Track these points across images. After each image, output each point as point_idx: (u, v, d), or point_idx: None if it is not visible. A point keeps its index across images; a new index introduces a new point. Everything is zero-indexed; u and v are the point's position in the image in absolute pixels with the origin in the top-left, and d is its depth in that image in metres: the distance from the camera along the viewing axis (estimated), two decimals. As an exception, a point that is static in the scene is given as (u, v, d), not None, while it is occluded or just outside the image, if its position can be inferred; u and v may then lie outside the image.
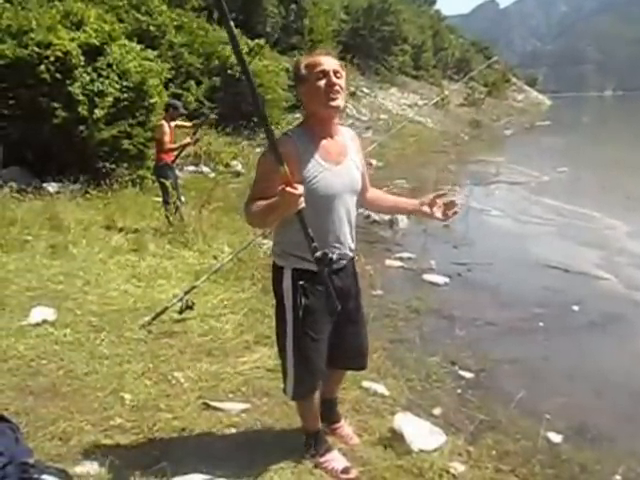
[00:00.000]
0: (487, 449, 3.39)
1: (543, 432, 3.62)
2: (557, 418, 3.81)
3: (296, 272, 2.65)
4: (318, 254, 2.47)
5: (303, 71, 2.58)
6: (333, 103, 2.53)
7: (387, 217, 9.82)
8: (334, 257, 2.53)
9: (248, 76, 2.26)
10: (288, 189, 2.26)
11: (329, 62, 2.56)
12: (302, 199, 2.31)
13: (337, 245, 2.68)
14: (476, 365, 4.63)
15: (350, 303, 2.86)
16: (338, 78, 2.54)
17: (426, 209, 2.92)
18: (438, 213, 2.91)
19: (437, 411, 3.83)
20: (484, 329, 5.48)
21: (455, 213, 2.92)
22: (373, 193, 3.06)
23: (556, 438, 3.63)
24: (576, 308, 5.97)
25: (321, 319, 2.71)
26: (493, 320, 5.67)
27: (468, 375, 4.46)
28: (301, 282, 2.64)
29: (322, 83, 2.52)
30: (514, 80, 71.82)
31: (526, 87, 79.25)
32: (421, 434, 3.31)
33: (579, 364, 4.75)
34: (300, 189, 2.29)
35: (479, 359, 4.72)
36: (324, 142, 2.62)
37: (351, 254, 2.83)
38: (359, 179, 2.76)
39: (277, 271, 2.75)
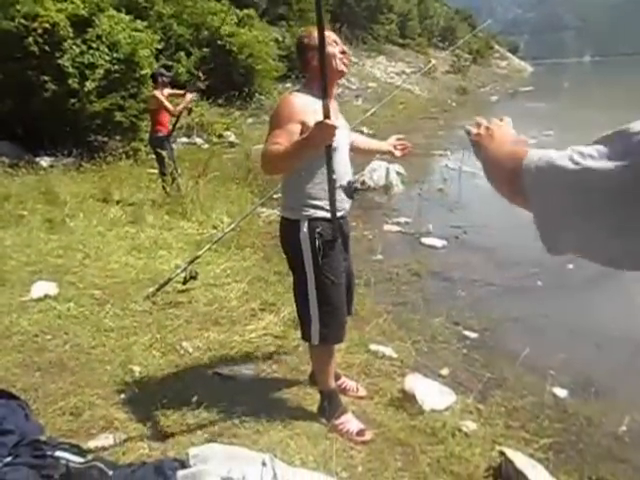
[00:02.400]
0: (496, 406, 3.44)
1: (549, 387, 3.68)
2: (561, 373, 3.86)
3: (313, 221, 2.83)
4: (344, 183, 2.87)
5: (314, 40, 2.74)
6: (343, 68, 2.88)
7: (382, 182, 9.82)
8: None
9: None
10: (327, 121, 2.48)
11: (332, 34, 2.88)
12: (343, 131, 2.61)
13: (346, 189, 2.95)
14: (479, 325, 4.67)
15: (349, 251, 3.20)
16: (339, 49, 2.89)
17: (393, 150, 3.43)
18: (398, 152, 3.43)
19: (445, 371, 3.87)
20: (484, 289, 5.53)
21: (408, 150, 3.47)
22: (358, 142, 3.42)
23: (562, 393, 3.69)
24: (571, 266, 6.01)
25: (338, 264, 2.93)
26: (492, 280, 5.72)
27: (472, 335, 4.51)
28: (318, 229, 2.82)
29: (336, 50, 2.84)
30: (497, 47, 71.45)
31: (509, 54, 78.88)
32: (431, 394, 3.36)
33: (579, 320, 4.79)
34: (336, 123, 2.53)
35: (482, 319, 4.77)
36: (326, 101, 2.74)
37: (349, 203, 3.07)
38: (349, 136, 3.10)
39: (291, 225, 2.90)
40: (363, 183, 9.68)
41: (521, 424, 3.28)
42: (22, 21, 9.82)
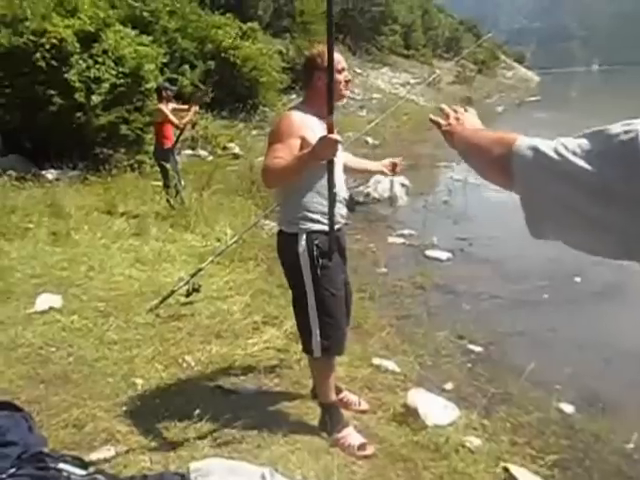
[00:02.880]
0: (501, 422, 3.41)
1: (555, 403, 3.65)
2: (568, 388, 3.83)
3: (310, 234, 2.89)
4: (342, 196, 2.99)
5: (324, 63, 2.80)
6: (345, 93, 3.02)
7: (386, 194, 9.81)
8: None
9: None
10: (332, 135, 2.59)
11: (342, 61, 2.96)
12: (339, 147, 2.66)
13: (342, 202, 3.03)
14: (484, 338, 4.64)
15: (346, 262, 3.22)
16: (341, 73, 2.98)
17: (385, 169, 3.51)
18: (388, 171, 3.52)
19: (449, 386, 3.85)
20: (490, 302, 5.50)
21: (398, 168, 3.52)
22: (347, 161, 3.40)
23: (568, 408, 3.65)
24: (578, 279, 5.98)
25: (336, 275, 2.99)
26: (498, 293, 5.68)
27: (477, 349, 4.48)
28: (316, 241, 2.87)
29: (341, 77, 2.93)
30: (503, 57, 71.46)
31: (515, 64, 78.79)
32: (435, 409, 3.33)
33: (585, 334, 4.76)
34: (339, 137, 2.63)
35: (487, 332, 4.74)
36: (324, 120, 2.85)
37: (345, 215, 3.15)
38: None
39: (289, 238, 2.95)
40: (367, 195, 9.69)
41: (526, 440, 3.25)
42: (31, 37, 9.96)
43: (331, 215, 2.81)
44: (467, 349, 4.47)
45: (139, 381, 3.64)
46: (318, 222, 2.90)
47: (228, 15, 20.02)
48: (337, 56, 2.89)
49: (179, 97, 10.61)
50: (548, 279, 5.95)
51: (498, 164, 1.20)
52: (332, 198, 2.78)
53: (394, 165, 3.51)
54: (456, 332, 4.72)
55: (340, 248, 3.07)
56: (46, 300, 4.78)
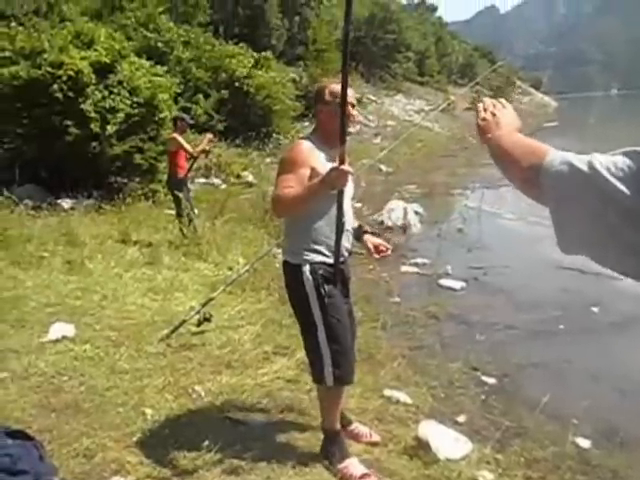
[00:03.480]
0: (515, 456, 3.36)
1: (571, 437, 3.58)
2: (584, 422, 3.77)
3: (315, 265, 2.92)
4: (355, 225, 3.07)
5: (328, 97, 2.96)
6: (348, 129, 2.90)
7: (400, 222, 9.80)
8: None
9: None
10: (344, 167, 2.62)
11: (350, 94, 2.88)
12: (350, 177, 2.69)
13: (349, 233, 3.05)
14: (498, 370, 4.59)
15: (348, 296, 3.23)
16: (353, 108, 3.00)
17: (369, 245, 3.22)
18: (375, 254, 3.22)
19: (462, 418, 3.80)
20: (504, 333, 5.44)
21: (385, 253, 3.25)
22: None
23: (585, 443, 3.58)
24: (595, 309, 5.91)
25: (341, 304, 3.01)
26: (512, 324, 5.62)
27: (491, 380, 4.43)
28: (320, 272, 2.91)
29: (352, 111, 2.95)
30: (519, 83, 71.69)
31: (531, 89, 79.05)
32: (447, 442, 3.28)
33: (602, 366, 4.69)
34: (350, 169, 2.66)
35: (501, 364, 4.69)
36: (332, 152, 2.90)
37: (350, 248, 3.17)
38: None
39: (294, 269, 2.99)
40: (381, 223, 9.68)
41: (541, 475, 3.20)
42: (48, 69, 10.15)
43: (338, 246, 2.83)
44: (480, 381, 4.42)
45: (149, 411, 3.62)
46: (321, 254, 2.93)
47: (241, 44, 20.33)
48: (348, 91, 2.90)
49: (193, 126, 10.72)
50: (563, 309, 5.89)
51: (528, 174, 1.20)
52: (340, 229, 2.80)
53: (382, 250, 3.23)
54: (469, 363, 4.67)
55: (344, 279, 3.10)
56: (59, 329, 4.79)
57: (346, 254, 3.07)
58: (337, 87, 2.88)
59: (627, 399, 4.19)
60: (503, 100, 1.60)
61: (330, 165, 2.82)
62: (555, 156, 1.14)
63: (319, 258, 2.93)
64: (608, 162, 1.04)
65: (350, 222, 3.06)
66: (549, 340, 5.31)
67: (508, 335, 5.39)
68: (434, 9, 69.77)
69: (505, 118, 1.52)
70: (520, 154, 1.27)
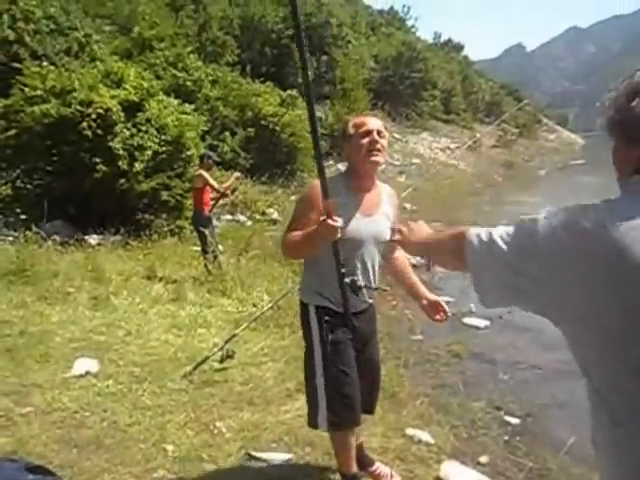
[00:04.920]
0: (538, 498, 3.29)
1: (596, 480, 3.50)
2: (610, 465, 3.67)
3: (320, 309, 2.84)
4: (347, 280, 2.71)
5: (350, 130, 2.82)
6: (373, 158, 2.77)
7: (423, 260, 9.75)
8: (362, 284, 2.75)
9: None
10: (329, 220, 2.47)
11: (374, 122, 2.81)
12: (339, 231, 2.52)
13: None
14: (522, 410, 4.51)
15: (369, 345, 3.05)
16: (381, 137, 2.80)
17: (426, 308, 3.01)
18: (434, 315, 2.99)
19: (484, 459, 3.73)
20: (528, 372, 5.36)
21: (444, 316, 2.99)
22: (400, 264, 3.16)
23: (610, 486, 3.50)
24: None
25: (347, 352, 2.85)
26: (537, 363, 5.54)
27: (514, 421, 4.35)
28: (326, 317, 2.82)
29: (365, 141, 2.76)
30: (545, 120, 71.77)
31: (557, 127, 79.01)
32: (469, 483, 3.24)
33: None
34: (339, 222, 2.50)
35: (525, 404, 4.61)
36: (360, 195, 2.85)
37: (370, 300, 3.01)
38: (387, 232, 2.84)
39: (303, 307, 2.94)
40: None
41: (565, 518, 3.13)
42: (78, 107, 10.45)
43: (344, 297, 2.75)
44: (504, 421, 4.34)
45: (170, 447, 3.63)
46: (328, 300, 2.82)
47: (268, 83, 20.69)
48: (370, 118, 2.85)
49: (220, 164, 10.91)
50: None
51: (455, 253, 1.51)
52: (340, 279, 2.69)
53: (441, 311, 3.00)
54: (493, 403, 4.60)
55: (356, 332, 2.90)
56: (83, 364, 4.86)
57: (364, 305, 2.95)
58: (361, 119, 2.86)
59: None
60: (415, 220, 2.03)
61: (354, 210, 2.78)
62: (472, 232, 1.45)
63: (325, 303, 2.83)
64: (503, 232, 1.37)
65: (369, 275, 2.87)
66: (574, 380, 5.09)
67: (532, 374, 5.31)
68: (460, 48, 70.58)
69: (418, 228, 1.97)
70: (444, 240, 1.67)
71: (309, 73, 2.34)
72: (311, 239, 2.61)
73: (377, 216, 2.88)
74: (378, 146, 2.78)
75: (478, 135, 28.03)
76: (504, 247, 1.33)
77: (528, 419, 4.39)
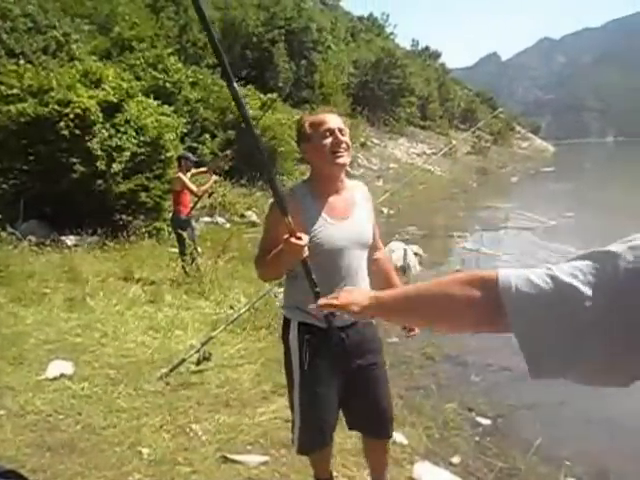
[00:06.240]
0: (508, 498, 3.36)
1: (563, 479, 3.58)
2: (577, 464, 3.76)
3: (302, 326, 2.58)
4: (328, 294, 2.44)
5: (308, 130, 2.56)
6: (339, 160, 2.51)
7: (399, 263, 9.84)
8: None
9: (253, 133, 2.37)
10: (291, 239, 2.25)
11: (334, 120, 2.55)
12: (305, 249, 2.28)
13: None
14: (493, 411, 4.59)
15: (362, 361, 2.70)
16: (343, 135, 2.53)
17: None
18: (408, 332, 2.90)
19: (456, 459, 3.80)
20: (499, 375, 5.45)
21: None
22: (382, 265, 2.94)
23: (577, 485, 3.59)
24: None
25: (327, 374, 2.61)
26: (508, 365, 5.62)
27: (485, 422, 4.43)
28: (307, 336, 2.57)
29: (328, 141, 2.50)
30: (518, 128, 72.78)
31: (530, 135, 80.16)
32: (441, 483, 3.30)
33: (596, 408, 4.67)
34: (304, 239, 2.27)
35: (496, 405, 4.70)
36: (330, 198, 2.59)
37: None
38: (369, 233, 2.70)
39: (285, 322, 2.70)
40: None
41: (534, 517, 3.20)
42: (55, 107, 10.36)
43: (327, 314, 2.30)
44: (475, 422, 4.42)
45: (145, 450, 3.62)
46: (310, 315, 2.40)
47: (249, 87, 20.69)
48: (328, 116, 2.58)
49: (199, 166, 10.89)
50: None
51: (479, 307, 1.06)
52: (317, 297, 2.23)
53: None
54: (465, 404, 4.68)
55: (350, 346, 2.62)
56: (58, 367, 4.82)
57: (347, 316, 2.68)
58: (318, 117, 2.57)
59: (619, 441, 4.18)
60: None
61: (327, 217, 2.54)
62: (508, 276, 1.01)
63: (307, 319, 2.51)
64: (571, 269, 0.95)
65: (359, 283, 2.61)
66: (543, 382, 5.29)
67: (503, 376, 5.38)
68: (438, 55, 71.27)
69: (356, 291, 1.57)
70: (450, 292, 1.13)
71: (290, 76, 2.29)
72: (279, 259, 2.41)
73: (354, 218, 2.62)
74: (343, 145, 2.52)
75: (454, 142, 28.35)
76: (586, 290, 0.91)
77: (498, 420, 4.48)
